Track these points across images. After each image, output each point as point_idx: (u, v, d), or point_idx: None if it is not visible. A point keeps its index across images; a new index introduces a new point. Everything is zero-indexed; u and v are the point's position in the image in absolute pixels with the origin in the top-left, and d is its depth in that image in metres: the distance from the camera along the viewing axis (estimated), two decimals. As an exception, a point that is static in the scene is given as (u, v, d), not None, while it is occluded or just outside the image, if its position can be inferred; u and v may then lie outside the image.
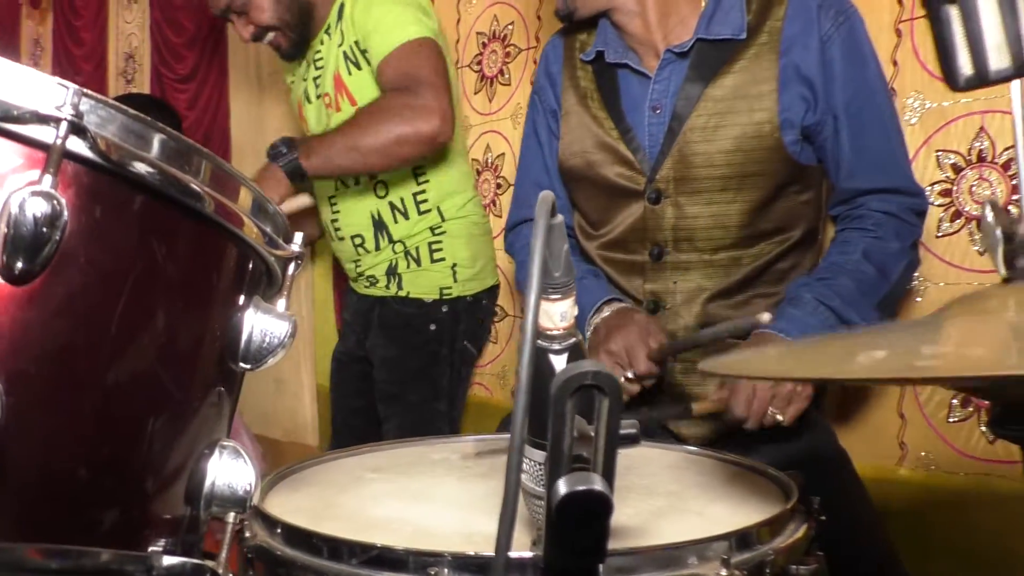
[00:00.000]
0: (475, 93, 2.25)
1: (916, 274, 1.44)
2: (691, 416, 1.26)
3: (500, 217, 2.13)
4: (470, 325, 2.04)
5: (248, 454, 0.71)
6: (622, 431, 0.48)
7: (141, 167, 0.60)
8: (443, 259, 1.99)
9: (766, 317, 1.12)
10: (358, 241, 2.03)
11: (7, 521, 0.57)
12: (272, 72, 2.67)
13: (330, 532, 0.74)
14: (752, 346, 1.21)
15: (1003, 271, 0.66)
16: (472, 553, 0.67)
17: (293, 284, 0.79)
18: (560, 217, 0.59)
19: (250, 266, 0.74)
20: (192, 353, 0.69)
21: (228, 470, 0.69)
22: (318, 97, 2.01)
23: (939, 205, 1.46)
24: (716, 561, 0.69)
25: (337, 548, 0.72)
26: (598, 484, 0.45)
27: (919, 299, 1.48)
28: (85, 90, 0.57)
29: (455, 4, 2.29)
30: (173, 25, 3.16)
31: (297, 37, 1.98)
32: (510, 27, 2.16)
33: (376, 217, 1.99)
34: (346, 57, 1.91)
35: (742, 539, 0.72)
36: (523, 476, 0.67)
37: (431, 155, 1.89)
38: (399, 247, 2.00)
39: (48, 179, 0.55)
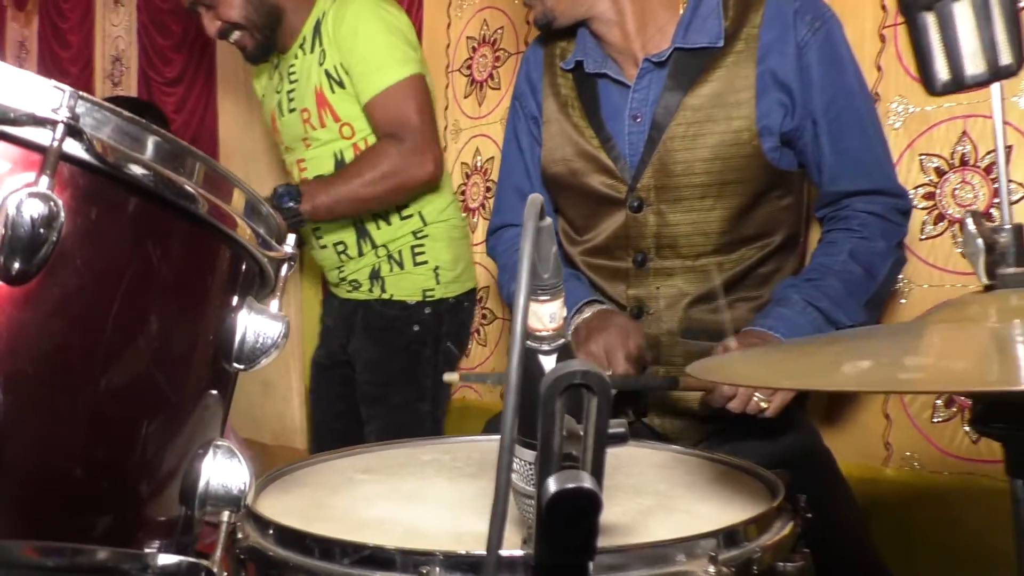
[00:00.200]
0: (465, 97, 2.25)
1: (900, 276, 1.46)
2: (678, 388, 1.26)
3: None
4: (453, 327, 2.05)
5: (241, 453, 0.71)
6: (611, 430, 0.49)
7: (136, 169, 0.60)
8: (425, 262, 2.01)
9: (733, 344, 1.16)
10: (340, 248, 2.04)
11: (3, 520, 0.58)
12: (260, 76, 2.67)
13: (322, 533, 0.74)
14: (743, 345, 1.21)
15: (984, 279, 0.67)
16: (463, 552, 0.68)
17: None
18: (548, 220, 0.60)
19: (243, 267, 0.74)
20: (186, 353, 0.69)
21: (222, 470, 0.70)
22: (291, 111, 2.02)
23: (922, 208, 1.48)
24: (704, 558, 0.70)
25: (329, 548, 0.72)
26: (587, 482, 0.46)
27: (903, 301, 1.50)
28: (81, 93, 0.58)
29: (445, 8, 2.30)
30: (160, 28, 3.15)
31: (263, 39, 1.98)
32: (500, 31, 2.17)
33: (358, 224, 2.00)
34: (329, 76, 1.93)
35: (729, 536, 0.73)
36: (513, 475, 0.68)
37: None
38: (382, 251, 2.01)
39: (45, 181, 0.55)
